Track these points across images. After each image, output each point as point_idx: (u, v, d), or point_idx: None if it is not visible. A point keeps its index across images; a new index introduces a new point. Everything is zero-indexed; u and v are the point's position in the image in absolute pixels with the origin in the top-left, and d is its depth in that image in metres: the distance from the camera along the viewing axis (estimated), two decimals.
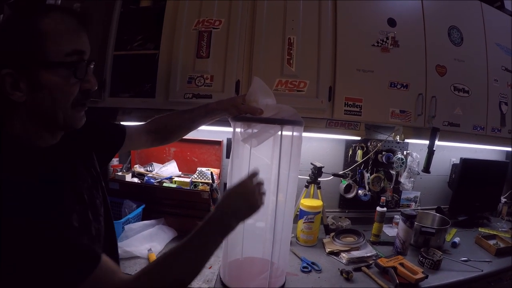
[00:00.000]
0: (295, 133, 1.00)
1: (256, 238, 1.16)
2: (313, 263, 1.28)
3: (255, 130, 0.93)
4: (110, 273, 0.56)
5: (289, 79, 1.30)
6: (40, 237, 0.50)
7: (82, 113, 0.65)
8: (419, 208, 1.83)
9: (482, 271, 1.32)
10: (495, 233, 1.67)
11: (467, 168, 1.77)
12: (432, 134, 1.46)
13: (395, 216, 1.71)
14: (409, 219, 1.39)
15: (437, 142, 1.49)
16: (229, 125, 1.01)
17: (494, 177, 1.88)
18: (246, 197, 0.72)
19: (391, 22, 1.43)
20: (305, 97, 1.31)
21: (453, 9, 1.59)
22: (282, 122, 0.94)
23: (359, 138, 1.52)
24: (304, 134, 1.34)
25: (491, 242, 1.56)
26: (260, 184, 0.75)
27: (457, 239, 1.57)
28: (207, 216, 0.68)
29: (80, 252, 0.54)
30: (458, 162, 1.80)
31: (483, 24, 1.66)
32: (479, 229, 1.74)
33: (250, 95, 0.96)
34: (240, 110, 0.95)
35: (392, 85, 1.41)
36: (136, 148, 1.08)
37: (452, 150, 1.92)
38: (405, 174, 1.68)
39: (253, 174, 0.75)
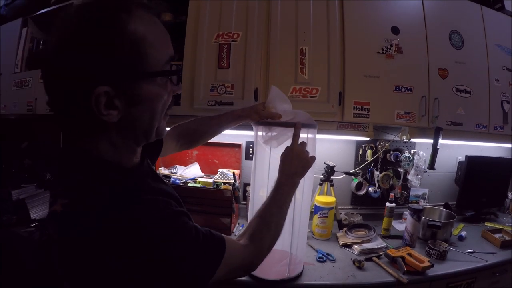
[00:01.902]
0: (310, 135, 1.16)
1: None
2: (328, 254, 1.45)
3: (275, 133, 1.10)
4: (234, 242, 0.71)
5: (303, 86, 1.49)
6: (193, 232, 0.58)
7: (167, 120, 0.63)
8: (427, 204, 1.98)
9: (486, 261, 1.45)
10: (501, 227, 1.81)
11: (472, 165, 1.92)
12: (436, 133, 1.61)
13: (404, 212, 1.86)
14: (416, 213, 1.55)
15: (441, 141, 1.64)
16: (248, 129, 1.19)
17: (500, 173, 2.02)
18: (299, 158, 0.92)
19: (395, 30, 1.59)
20: (317, 102, 1.49)
21: (454, 14, 1.74)
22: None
23: (368, 138, 1.69)
24: (318, 136, 1.53)
25: (497, 235, 1.68)
26: (304, 144, 0.95)
27: (463, 233, 1.71)
28: (276, 181, 0.88)
29: (214, 235, 0.64)
30: (464, 159, 1.95)
31: (483, 26, 1.80)
32: (485, 224, 1.89)
33: (269, 102, 1.13)
34: (261, 115, 1.10)
35: (397, 89, 1.57)
36: (167, 153, 1.11)
37: (458, 148, 2.06)
38: (412, 171, 1.85)
39: (297, 137, 0.95)
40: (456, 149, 2.07)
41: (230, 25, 1.51)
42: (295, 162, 0.91)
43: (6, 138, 2.56)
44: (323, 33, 1.51)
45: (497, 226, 1.83)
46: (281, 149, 1.15)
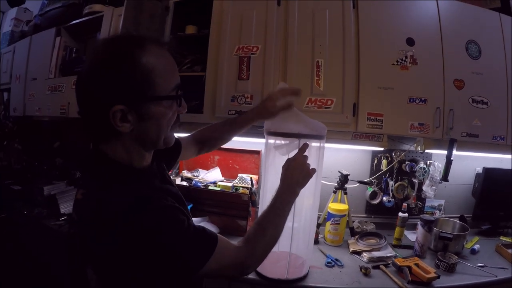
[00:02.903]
0: (315, 144, 1.23)
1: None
2: (336, 259, 1.54)
3: (287, 142, 1.21)
4: (227, 242, 0.79)
5: (318, 97, 1.59)
6: (184, 224, 0.70)
7: (174, 132, 0.78)
8: (443, 215, 2.02)
9: (496, 277, 1.46)
10: None
11: (490, 178, 1.94)
12: (450, 145, 1.65)
13: (418, 222, 1.93)
14: (427, 224, 1.61)
15: (455, 152, 1.67)
16: None
17: None
18: (301, 169, 0.99)
19: (410, 42, 1.64)
20: (332, 113, 1.58)
21: (471, 23, 1.73)
22: (304, 137, 1.17)
23: (382, 148, 1.77)
24: (333, 146, 1.64)
25: (511, 250, 1.67)
26: (306, 157, 1.02)
27: (476, 246, 1.72)
28: (278, 190, 0.96)
29: (206, 231, 0.75)
30: (481, 171, 1.98)
31: (502, 34, 1.78)
32: (501, 238, 1.90)
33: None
34: (273, 113, 1.18)
35: (411, 100, 1.62)
36: (186, 158, 1.26)
37: (477, 160, 2.07)
38: (427, 182, 1.90)
39: (303, 150, 1.03)
40: (474, 161, 2.08)
41: (250, 39, 1.64)
42: (297, 173, 0.99)
43: (40, 138, 2.82)
44: (338, 46, 1.60)
45: None
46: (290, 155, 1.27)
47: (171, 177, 1.84)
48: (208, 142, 1.29)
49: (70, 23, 2.38)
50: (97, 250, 0.68)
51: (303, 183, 1.00)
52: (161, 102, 0.70)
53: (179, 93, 0.74)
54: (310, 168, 1.02)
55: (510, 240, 1.86)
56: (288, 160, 1.02)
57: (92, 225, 0.66)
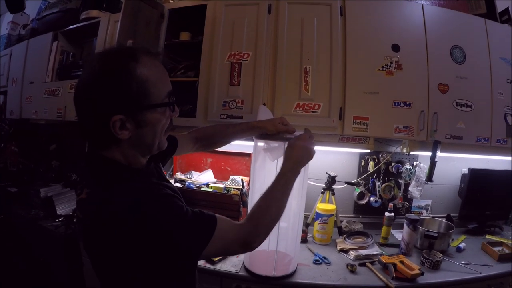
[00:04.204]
0: None
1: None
2: (324, 257, 1.63)
3: (276, 145, 1.30)
4: (228, 221, 0.84)
5: (306, 102, 1.69)
6: (183, 209, 0.76)
7: (167, 136, 0.85)
8: (430, 215, 2.12)
9: (480, 273, 1.56)
10: (501, 240, 1.90)
11: (475, 178, 2.04)
12: (434, 146, 1.74)
13: (404, 222, 2.02)
14: (412, 223, 1.70)
15: (441, 154, 1.76)
16: None
17: (504, 186, 2.10)
18: (307, 148, 1.07)
19: (395, 48, 1.73)
20: (319, 117, 1.68)
21: (456, 29, 1.82)
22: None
23: (369, 150, 1.87)
24: (321, 148, 1.73)
25: (496, 248, 1.77)
26: (312, 137, 1.10)
27: (462, 245, 1.82)
28: (282, 168, 1.02)
29: (204, 213, 0.80)
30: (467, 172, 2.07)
31: (487, 40, 1.86)
32: (487, 236, 2.00)
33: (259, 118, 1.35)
34: (277, 128, 1.23)
35: (396, 104, 1.72)
36: (183, 153, 1.31)
37: (463, 161, 2.16)
38: (413, 183, 2.00)
39: (308, 132, 1.11)
40: (461, 162, 2.18)
41: (241, 46, 1.74)
42: (300, 152, 1.05)
43: (36, 141, 2.90)
44: (326, 52, 1.70)
45: (498, 239, 1.94)
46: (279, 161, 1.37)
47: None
48: (208, 140, 1.35)
49: (67, 28, 2.47)
50: (102, 244, 0.74)
51: (305, 163, 1.07)
52: (156, 109, 0.77)
53: (172, 99, 0.81)
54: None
55: (496, 239, 1.95)
56: (294, 139, 1.09)
57: (98, 221, 0.73)
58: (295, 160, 1.04)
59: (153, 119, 0.77)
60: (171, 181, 1.91)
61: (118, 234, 0.71)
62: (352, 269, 1.52)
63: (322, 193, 1.92)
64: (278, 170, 1.04)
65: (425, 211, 2.15)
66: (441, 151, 1.77)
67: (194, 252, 0.78)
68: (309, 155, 1.08)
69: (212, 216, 0.82)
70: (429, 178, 1.81)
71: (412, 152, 1.89)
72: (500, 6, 2.10)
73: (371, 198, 2.04)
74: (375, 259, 1.62)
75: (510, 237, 2.01)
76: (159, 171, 0.97)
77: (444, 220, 1.99)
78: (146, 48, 0.79)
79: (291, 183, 1.01)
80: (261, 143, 1.36)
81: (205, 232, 0.78)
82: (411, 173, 1.99)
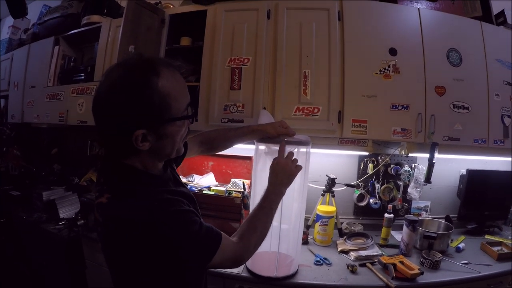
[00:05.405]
0: (302, 150, 1.36)
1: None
2: (325, 258, 1.67)
3: (276, 148, 1.35)
4: (228, 238, 0.91)
5: (305, 106, 1.74)
6: (197, 225, 0.80)
7: (183, 143, 0.89)
8: (429, 216, 2.16)
9: (479, 273, 1.59)
10: (501, 240, 1.94)
11: (473, 179, 2.08)
12: (432, 148, 1.79)
13: (403, 223, 2.07)
14: (411, 223, 1.74)
15: (438, 155, 1.81)
16: None
17: (503, 186, 2.14)
18: (284, 169, 1.11)
19: (392, 52, 1.78)
20: (318, 120, 1.73)
21: (452, 32, 1.87)
22: (291, 143, 1.30)
23: (367, 153, 1.92)
24: (321, 151, 1.76)
25: (496, 248, 1.81)
26: (290, 155, 1.15)
27: (461, 245, 1.86)
28: (265, 191, 1.08)
29: (213, 230, 0.86)
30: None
31: (483, 42, 1.91)
32: (486, 236, 2.03)
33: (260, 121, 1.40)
34: (278, 131, 1.29)
35: (394, 107, 1.77)
36: (190, 156, 1.32)
37: (462, 162, 2.19)
38: (412, 184, 2.05)
39: (281, 152, 1.16)
40: (459, 163, 2.22)
41: (242, 51, 1.79)
42: (280, 174, 1.10)
43: (38, 145, 2.94)
44: (324, 57, 1.75)
45: (497, 239, 1.97)
46: None
47: None
48: (211, 144, 1.39)
49: (69, 33, 2.51)
50: (120, 248, 0.79)
51: (288, 183, 1.12)
52: (176, 122, 0.79)
53: (192, 111, 0.84)
54: (296, 166, 1.14)
55: (495, 239, 1.99)
56: (272, 164, 1.14)
57: (117, 227, 0.77)
58: (275, 183, 1.10)
59: (173, 131, 0.80)
60: None
61: (135, 239, 0.75)
62: (352, 270, 1.57)
63: (322, 195, 1.96)
64: None
65: (424, 212, 2.18)
66: (439, 153, 1.82)
67: (202, 264, 0.86)
68: (290, 174, 1.12)
69: (219, 234, 0.87)
70: (428, 179, 1.85)
71: (410, 154, 1.94)
72: (495, 8, 2.14)
73: (371, 200, 2.09)
74: (375, 260, 1.66)
75: (509, 237, 2.04)
76: (175, 176, 1.01)
77: (443, 220, 2.03)
78: (166, 60, 0.81)
79: (274, 205, 1.07)
80: (262, 146, 1.41)
81: (211, 248, 0.84)
82: (410, 174, 2.04)
